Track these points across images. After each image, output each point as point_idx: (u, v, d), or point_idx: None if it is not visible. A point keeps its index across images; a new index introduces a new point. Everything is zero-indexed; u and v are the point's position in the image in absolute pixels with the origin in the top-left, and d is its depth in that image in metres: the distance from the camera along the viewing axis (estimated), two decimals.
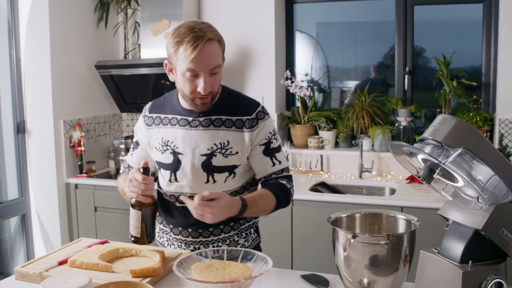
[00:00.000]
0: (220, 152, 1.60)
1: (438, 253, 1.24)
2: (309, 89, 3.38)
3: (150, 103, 1.77)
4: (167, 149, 1.65)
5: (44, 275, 1.45)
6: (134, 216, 1.52)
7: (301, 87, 3.33)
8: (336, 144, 3.41)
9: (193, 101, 1.57)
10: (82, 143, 3.32)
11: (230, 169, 1.63)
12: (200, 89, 1.51)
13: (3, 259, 3.23)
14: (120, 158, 3.53)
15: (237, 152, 1.62)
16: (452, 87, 3.09)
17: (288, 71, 3.41)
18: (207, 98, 1.56)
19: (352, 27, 3.67)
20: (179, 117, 1.65)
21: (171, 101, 1.70)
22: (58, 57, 3.23)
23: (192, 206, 1.42)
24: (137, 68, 3.40)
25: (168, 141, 1.65)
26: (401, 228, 1.37)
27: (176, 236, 1.71)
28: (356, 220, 1.43)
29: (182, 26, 1.51)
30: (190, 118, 1.63)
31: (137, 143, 1.77)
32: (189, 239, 1.69)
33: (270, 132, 1.66)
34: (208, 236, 1.68)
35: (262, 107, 1.67)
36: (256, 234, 1.80)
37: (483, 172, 1.09)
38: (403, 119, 3.24)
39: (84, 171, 3.36)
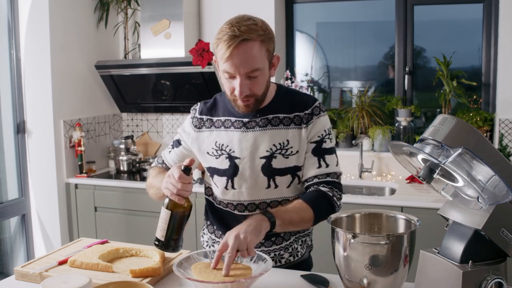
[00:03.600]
0: (280, 153, 1.50)
1: (438, 253, 1.24)
2: (309, 89, 3.38)
3: (199, 104, 1.64)
4: (222, 154, 1.54)
5: (44, 275, 1.45)
6: (163, 216, 1.36)
7: (301, 87, 3.33)
8: (336, 144, 3.40)
9: (235, 102, 1.47)
10: (82, 143, 3.32)
11: (292, 171, 1.52)
12: (236, 92, 1.42)
13: (3, 259, 3.23)
14: (120, 158, 3.52)
15: (297, 152, 1.52)
16: (452, 87, 3.09)
17: (288, 71, 3.40)
18: (249, 101, 1.45)
19: (352, 27, 3.67)
20: (233, 118, 1.54)
21: (223, 102, 1.59)
22: (58, 57, 3.23)
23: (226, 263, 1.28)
24: (137, 68, 3.40)
25: (222, 145, 1.54)
26: (401, 228, 1.37)
27: None
28: (356, 220, 1.42)
29: (228, 21, 1.42)
30: (245, 119, 1.53)
31: (178, 142, 1.66)
32: None
33: (325, 131, 1.54)
34: (271, 245, 1.59)
35: (319, 103, 1.56)
36: (311, 242, 1.71)
37: (483, 172, 1.09)
38: (403, 119, 3.24)
39: (84, 171, 3.36)
